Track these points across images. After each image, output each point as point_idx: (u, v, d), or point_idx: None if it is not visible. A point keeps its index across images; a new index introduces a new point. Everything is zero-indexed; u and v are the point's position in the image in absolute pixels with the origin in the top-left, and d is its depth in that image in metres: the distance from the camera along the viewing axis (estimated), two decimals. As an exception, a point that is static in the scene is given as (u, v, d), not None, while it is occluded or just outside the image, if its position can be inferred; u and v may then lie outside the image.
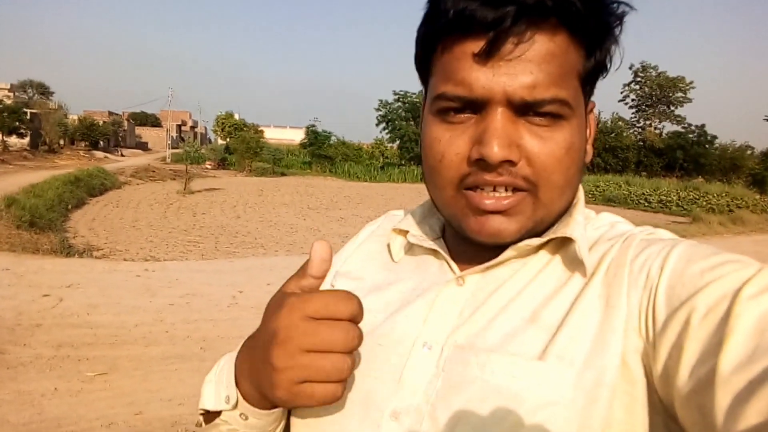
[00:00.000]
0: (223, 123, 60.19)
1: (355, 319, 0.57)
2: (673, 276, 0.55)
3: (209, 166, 41.33)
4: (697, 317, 0.50)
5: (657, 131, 50.90)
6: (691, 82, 51.59)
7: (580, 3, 0.57)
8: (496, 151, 0.58)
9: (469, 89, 0.59)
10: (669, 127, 51.43)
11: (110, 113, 66.35)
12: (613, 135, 44.57)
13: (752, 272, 0.51)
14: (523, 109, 0.59)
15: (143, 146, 73.47)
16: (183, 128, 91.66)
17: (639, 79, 52.52)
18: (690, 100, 51.78)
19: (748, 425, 0.41)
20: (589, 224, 0.70)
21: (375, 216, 0.97)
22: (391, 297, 0.72)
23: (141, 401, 4.19)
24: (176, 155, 43.56)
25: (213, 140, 75.89)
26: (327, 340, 0.55)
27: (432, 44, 0.64)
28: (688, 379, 0.49)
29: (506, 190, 0.62)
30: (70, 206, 16.72)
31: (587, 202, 0.72)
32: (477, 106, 0.60)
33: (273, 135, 76.55)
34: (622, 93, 53.53)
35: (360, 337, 0.57)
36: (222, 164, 43.28)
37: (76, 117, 52.20)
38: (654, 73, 51.84)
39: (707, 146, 44.07)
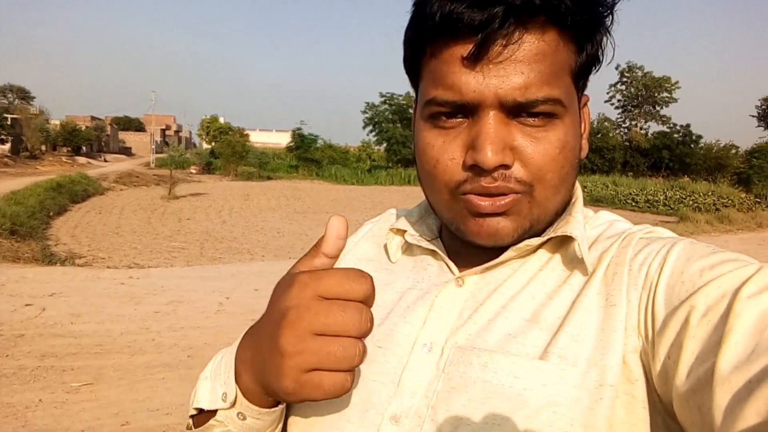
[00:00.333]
0: (208, 127, 60.22)
1: (368, 301, 0.53)
2: (673, 275, 0.55)
3: (194, 171, 41.26)
4: (697, 316, 0.50)
5: (643, 131, 51.44)
6: (677, 83, 52.25)
7: None
8: (489, 156, 0.58)
9: (460, 94, 0.59)
10: (654, 127, 52.02)
11: (93, 118, 65.95)
12: (599, 135, 44.98)
13: (752, 271, 0.50)
14: (516, 110, 0.59)
15: (127, 151, 73.29)
16: (167, 132, 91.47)
17: (625, 79, 53.08)
18: (675, 100, 52.44)
19: (746, 425, 0.41)
20: (588, 223, 0.70)
21: (363, 219, 0.95)
22: (389, 298, 0.72)
23: (127, 411, 4.14)
24: (160, 160, 43.52)
25: (198, 144, 75.93)
26: (340, 322, 0.50)
27: (420, 47, 0.63)
28: (687, 378, 0.48)
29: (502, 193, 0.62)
30: (51, 213, 16.58)
31: None
32: (468, 110, 0.60)
33: (259, 139, 76.72)
34: (608, 93, 54.15)
35: (372, 321, 0.53)
36: (207, 169, 43.23)
37: (57, 122, 51.74)
38: (640, 74, 52.43)
39: (692, 146, 44.58)
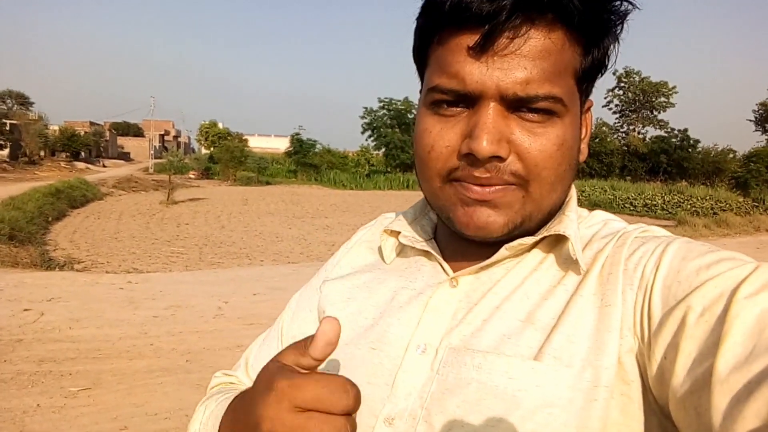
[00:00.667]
0: (206, 132, 60.14)
1: (351, 412, 0.49)
2: (669, 274, 0.55)
3: (193, 176, 41.12)
4: (694, 316, 0.49)
5: (640, 136, 51.56)
6: (674, 87, 52.42)
7: (578, 0, 0.56)
8: (485, 146, 0.58)
9: (463, 83, 0.59)
10: (652, 131, 52.22)
11: (92, 123, 65.91)
12: (597, 140, 45.00)
13: (748, 270, 0.50)
14: (516, 104, 0.59)
15: (125, 156, 73.04)
16: (166, 138, 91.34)
17: (623, 84, 53.24)
18: (673, 105, 52.63)
19: (746, 427, 0.41)
20: (582, 222, 0.70)
21: (361, 224, 0.96)
22: (381, 298, 0.72)
23: (126, 416, 4.11)
24: (159, 165, 43.40)
25: (197, 150, 75.67)
26: None
27: (429, 36, 0.64)
28: (684, 379, 0.48)
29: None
30: (50, 218, 16.49)
31: None
32: (470, 99, 0.60)
33: (257, 144, 76.47)
34: (605, 98, 54.35)
35: None
36: (206, 174, 43.09)
37: (56, 127, 51.71)
38: (637, 79, 52.58)
39: (690, 150, 44.64)
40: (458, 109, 0.61)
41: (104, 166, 50.88)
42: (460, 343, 0.62)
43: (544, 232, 0.65)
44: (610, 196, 30.02)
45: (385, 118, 46.82)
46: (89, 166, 46.07)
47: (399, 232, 0.76)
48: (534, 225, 0.65)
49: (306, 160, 45.71)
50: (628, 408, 0.55)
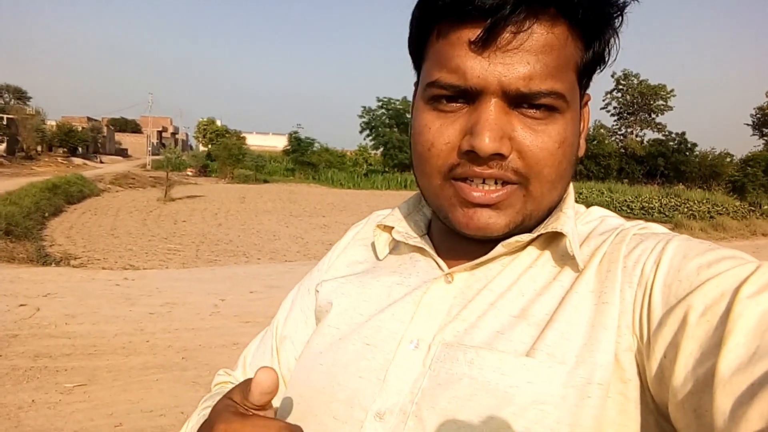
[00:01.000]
0: (204, 129, 60.06)
1: None
2: (669, 273, 0.54)
3: (190, 173, 41.10)
4: (695, 316, 0.49)
5: (638, 139, 51.54)
6: (672, 90, 52.40)
7: None
8: (487, 143, 0.57)
9: (464, 78, 0.58)
10: (650, 134, 52.27)
11: (89, 119, 65.54)
12: (595, 142, 45.03)
13: (750, 270, 0.50)
14: (518, 100, 0.58)
15: (123, 153, 72.89)
16: (164, 134, 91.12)
17: (621, 87, 53.22)
18: (671, 108, 52.61)
19: (749, 430, 0.40)
20: (579, 219, 0.70)
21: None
22: (376, 293, 0.71)
23: (121, 412, 4.10)
24: (157, 162, 43.35)
25: (194, 147, 75.65)
26: None
27: (426, 28, 0.63)
28: (685, 379, 0.47)
29: (495, 183, 0.61)
30: (47, 214, 16.44)
31: None
32: (470, 95, 0.59)
33: (255, 142, 76.39)
34: (603, 101, 54.31)
35: None
36: (203, 171, 43.08)
37: (54, 123, 51.45)
38: (635, 81, 52.57)
39: (687, 154, 44.74)
40: (458, 104, 0.60)
41: (101, 161, 50.71)
42: (453, 339, 0.61)
43: (541, 230, 0.65)
44: (607, 199, 30.03)
45: (383, 118, 46.83)
46: (86, 161, 45.94)
47: (392, 228, 0.75)
48: (533, 223, 0.65)
49: (304, 159, 45.72)
50: (625, 407, 0.54)
